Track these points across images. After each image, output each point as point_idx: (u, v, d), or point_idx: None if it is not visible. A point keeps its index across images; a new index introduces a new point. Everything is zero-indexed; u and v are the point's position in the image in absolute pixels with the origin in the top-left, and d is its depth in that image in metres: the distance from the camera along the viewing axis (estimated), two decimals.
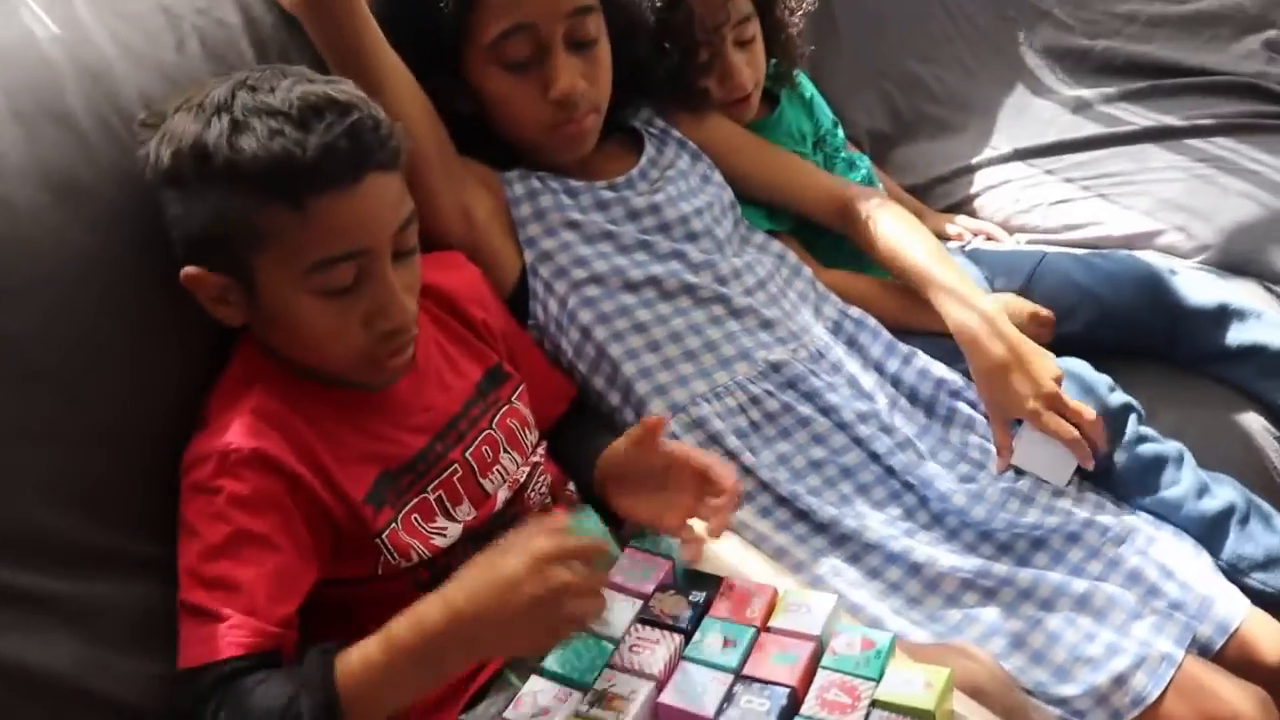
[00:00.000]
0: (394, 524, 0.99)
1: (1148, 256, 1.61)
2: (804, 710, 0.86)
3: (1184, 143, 1.77)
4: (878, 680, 0.88)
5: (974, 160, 1.81)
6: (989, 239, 1.70)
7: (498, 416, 1.11)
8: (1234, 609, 1.12)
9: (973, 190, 1.78)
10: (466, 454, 1.07)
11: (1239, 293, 1.46)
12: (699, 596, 0.98)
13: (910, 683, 0.87)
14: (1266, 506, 1.25)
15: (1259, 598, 1.19)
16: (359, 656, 0.83)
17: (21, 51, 0.98)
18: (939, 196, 1.79)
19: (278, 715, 0.82)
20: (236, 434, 0.93)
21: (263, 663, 0.86)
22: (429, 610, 0.83)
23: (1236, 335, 1.39)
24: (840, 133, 1.56)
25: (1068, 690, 1.05)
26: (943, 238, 1.68)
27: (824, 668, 0.90)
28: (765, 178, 1.40)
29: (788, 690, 0.88)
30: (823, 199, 1.40)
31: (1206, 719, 1.05)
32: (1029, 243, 1.68)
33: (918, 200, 1.77)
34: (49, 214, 0.93)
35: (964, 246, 1.64)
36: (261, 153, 0.89)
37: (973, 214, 1.77)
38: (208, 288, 0.95)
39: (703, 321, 1.24)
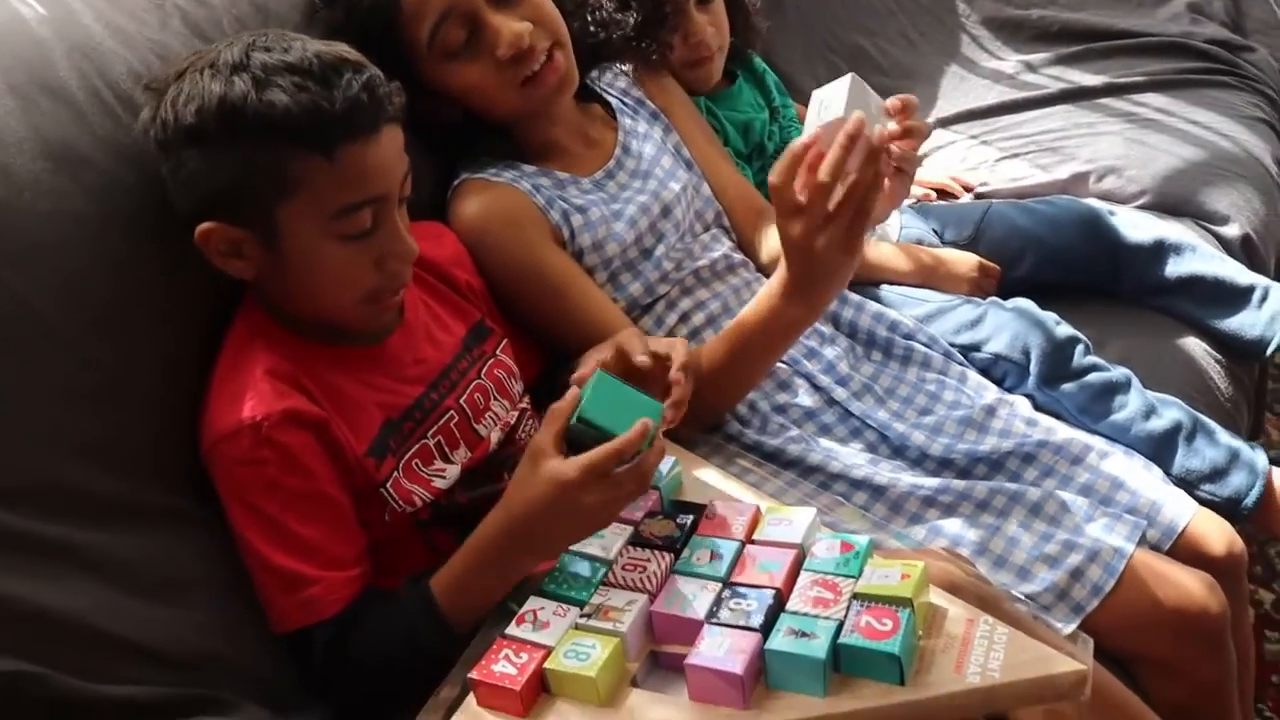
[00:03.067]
0: (396, 472, 1.05)
1: (1090, 201, 1.70)
2: (789, 607, 0.92)
3: (1121, 99, 1.86)
4: (857, 577, 0.94)
5: None
6: (946, 194, 1.78)
7: (485, 368, 1.17)
8: (1181, 510, 1.20)
9: (919, 152, 1.84)
10: (460, 400, 1.12)
11: (1174, 230, 1.55)
12: (686, 519, 1.03)
13: (888, 576, 0.93)
14: (1210, 423, 1.33)
15: (1208, 507, 1.27)
16: (448, 579, 0.96)
17: (11, 30, 1.02)
18: None
19: (405, 651, 0.94)
20: (261, 401, 0.98)
21: (362, 607, 0.98)
22: (495, 526, 0.94)
23: (1174, 268, 1.47)
24: (791, 104, 1.63)
25: (1030, 588, 1.12)
26: None
27: (806, 570, 0.96)
28: (701, 164, 1.43)
29: (773, 592, 0.93)
30: (738, 201, 1.42)
31: (1160, 602, 1.12)
32: (978, 196, 1.76)
33: None
34: (49, 181, 0.97)
35: (915, 202, 1.72)
36: (294, 106, 0.93)
37: None
38: (223, 242, 0.98)
39: (675, 295, 1.30)
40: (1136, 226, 1.49)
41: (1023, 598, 1.07)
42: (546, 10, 1.29)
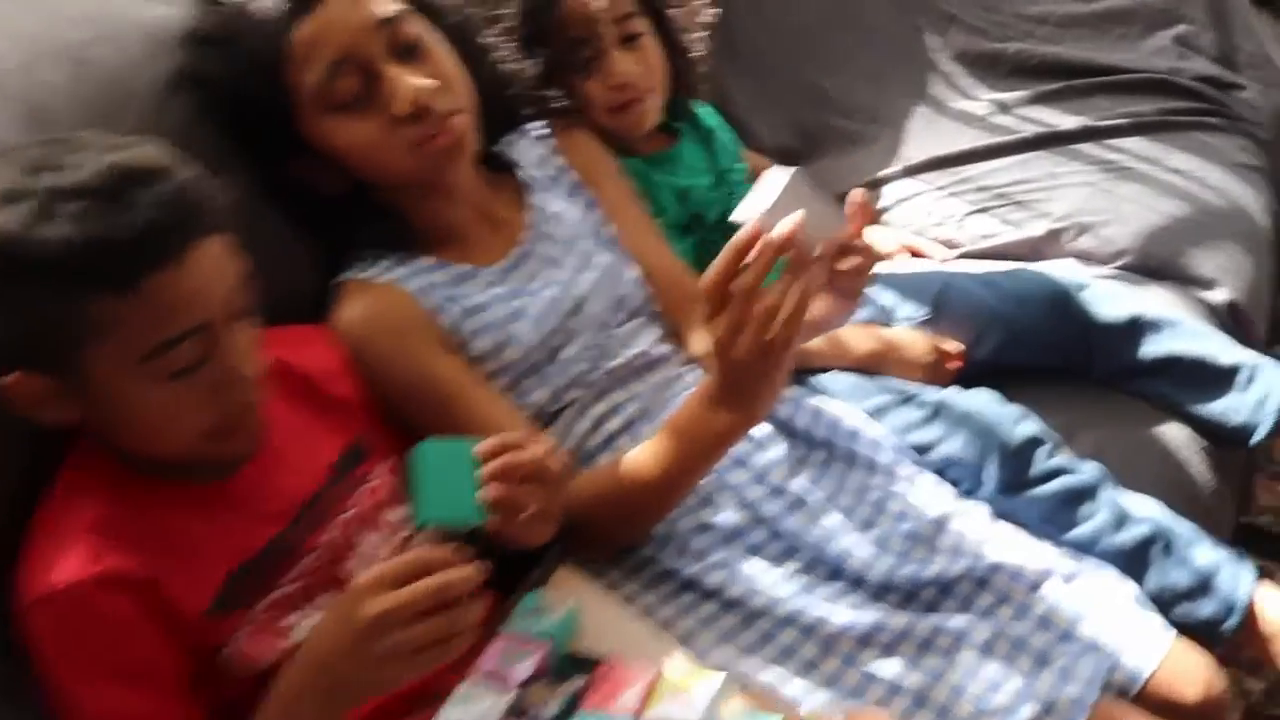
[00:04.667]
0: (245, 628, 0.93)
1: (1064, 265, 1.57)
2: None
3: (1099, 145, 1.72)
4: None
5: (882, 173, 1.75)
6: (916, 254, 1.64)
7: (356, 497, 1.04)
8: (1152, 646, 1.06)
9: (882, 204, 1.72)
10: (325, 538, 1.00)
11: (1153, 301, 1.41)
12: (573, 686, 0.91)
13: None
14: (1189, 530, 1.19)
15: (1184, 629, 1.14)
16: None
17: None
18: None
19: None
20: (78, 562, 0.86)
21: None
22: (284, 673, 0.86)
23: (1152, 347, 1.33)
24: (741, 169, 1.49)
25: None
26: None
27: None
28: (627, 243, 1.28)
29: None
30: (669, 285, 1.27)
31: None
32: (957, 257, 1.62)
33: None
34: None
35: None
36: (78, 239, 0.81)
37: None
38: (29, 394, 0.87)
39: (587, 399, 1.17)
40: (1111, 300, 1.35)
41: None
42: (452, 71, 1.15)
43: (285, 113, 1.10)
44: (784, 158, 1.77)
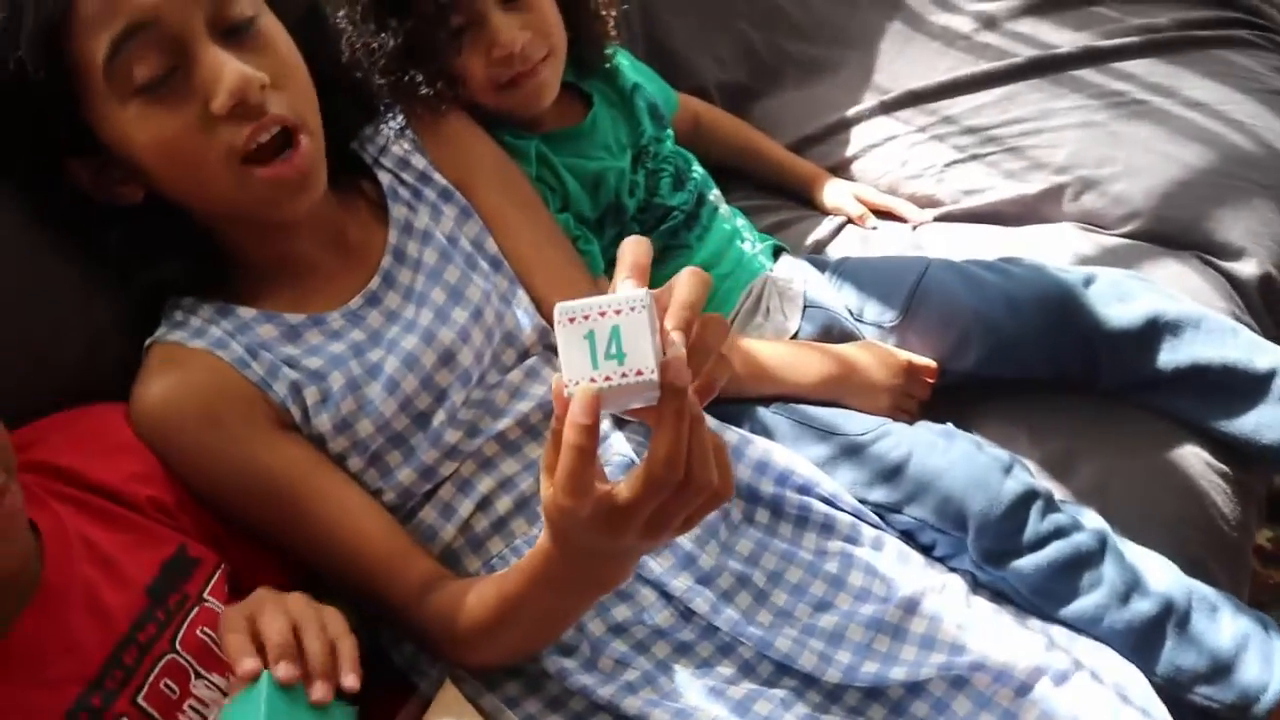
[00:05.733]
0: None
1: (1062, 231, 1.32)
2: None
3: (1104, 70, 1.44)
4: None
5: (850, 112, 1.47)
6: (892, 217, 1.38)
7: (183, 629, 0.83)
8: None
9: (850, 151, 1.45)
10: (139, 699, 0.79)
11: (1171, 287, 1.17)
12: None
13: None
14: (1210, 592, 0.99)
15: (1207, 717, 0.95)
16: None
17: None
18: (812, 160, 1.46)
19: None
20: None
21: None
22: None
23: (1171, 355, 1.10)
24: (669, 136, 1.22)
25: None
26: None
27: None
28: (515, 260, 1.03)
29: None
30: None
31: None
32: (934, 219, 1.37)
33: (811, 166, 1.44)
34: None
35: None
36: None
37: (850, 180, 1.44)
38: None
39: (469, 472, 0.95)
40: (1123, 300, 1.10)
41: None
42: (291, 66, 0.88)
43: (66, 96, 0.84)
44: (733, 96, 1.51)
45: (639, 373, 0.58)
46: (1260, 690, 0.96)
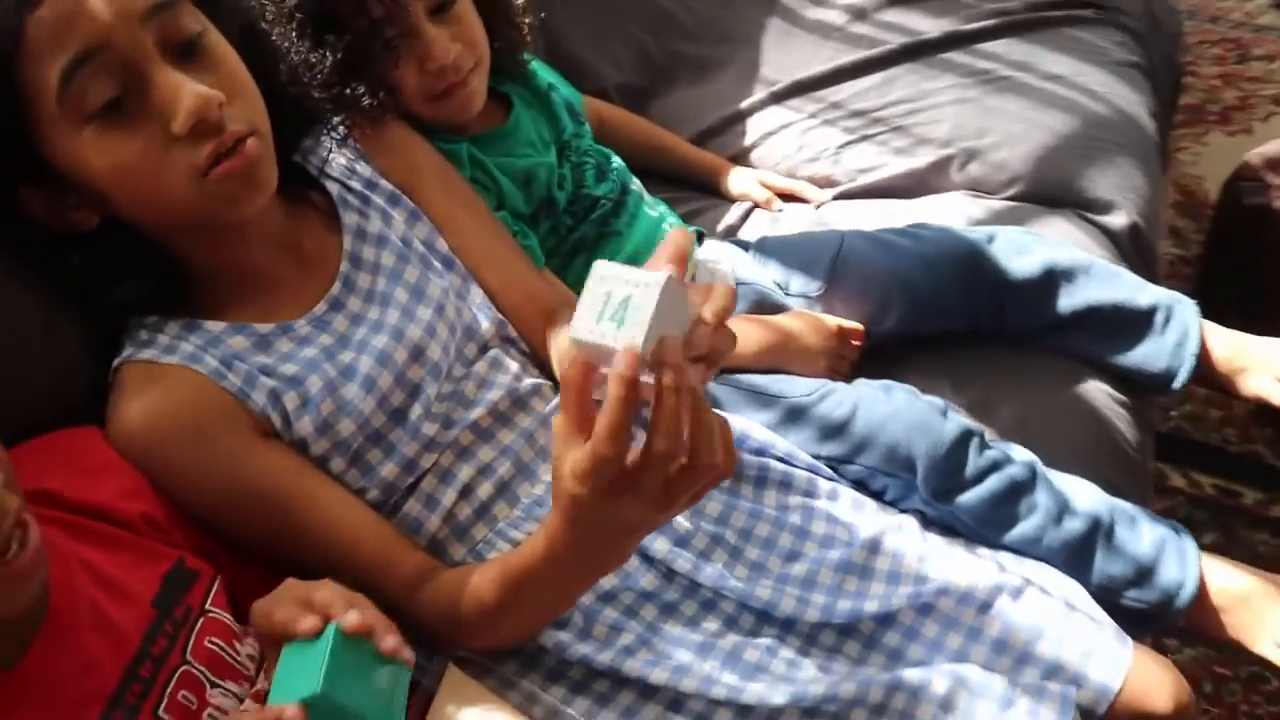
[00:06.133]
0: None
1: (953, 201, 1.43)
2: None
3: (968, 52, 1.57)
4: None
5: (744, 104, 1.56)
6: (796, 199, 1.46)
7: (191, 640, 0.83)
8: (1116, 659, 0.97)
9: (748, 140, 1.53)
10: (160, 711, 0.79)
11: (1058, 241, 1.28)
12: None
13: None
14: (1128, 507, 1.10)
15: (1137, 614, 1.05)
16: None
17: None
18: (713, 152, 1.53)
19: None
20: None
21: None
22: None
23: (1068, 300, 1.21)
24: (586, 131, 1.27)
25: None
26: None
27: None
28: (466, 257, 1.06)
29: None
30: (522, 301, 1.07)
31: None
32: (835, 198, 1.45)
33: (714, 158, 1.51)
34: None
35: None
36: None
37: (751, 168, 1.52)
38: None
39: (448, 462, 0.97)
40: (1021, 253, 1.21)
41: None
42: (242, 79, 0.89)
43: (18, 125, 0.83)
44: (631, 97, 1.57)
45: (626, 343, 0.62)
46: (1178, 587, 1.07)
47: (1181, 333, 1.23)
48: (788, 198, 1.46)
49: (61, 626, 0.77)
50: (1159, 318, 1.23)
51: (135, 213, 0.89)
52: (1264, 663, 1.10)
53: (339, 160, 1.04)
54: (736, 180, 1.46)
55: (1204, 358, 1.25)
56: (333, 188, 1.02)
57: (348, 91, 1.05)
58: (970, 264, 1.19)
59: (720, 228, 1.43)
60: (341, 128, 1.05)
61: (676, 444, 0.65)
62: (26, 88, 0.82)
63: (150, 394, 0.88)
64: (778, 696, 0.91)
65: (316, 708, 0.66)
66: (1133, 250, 1.38)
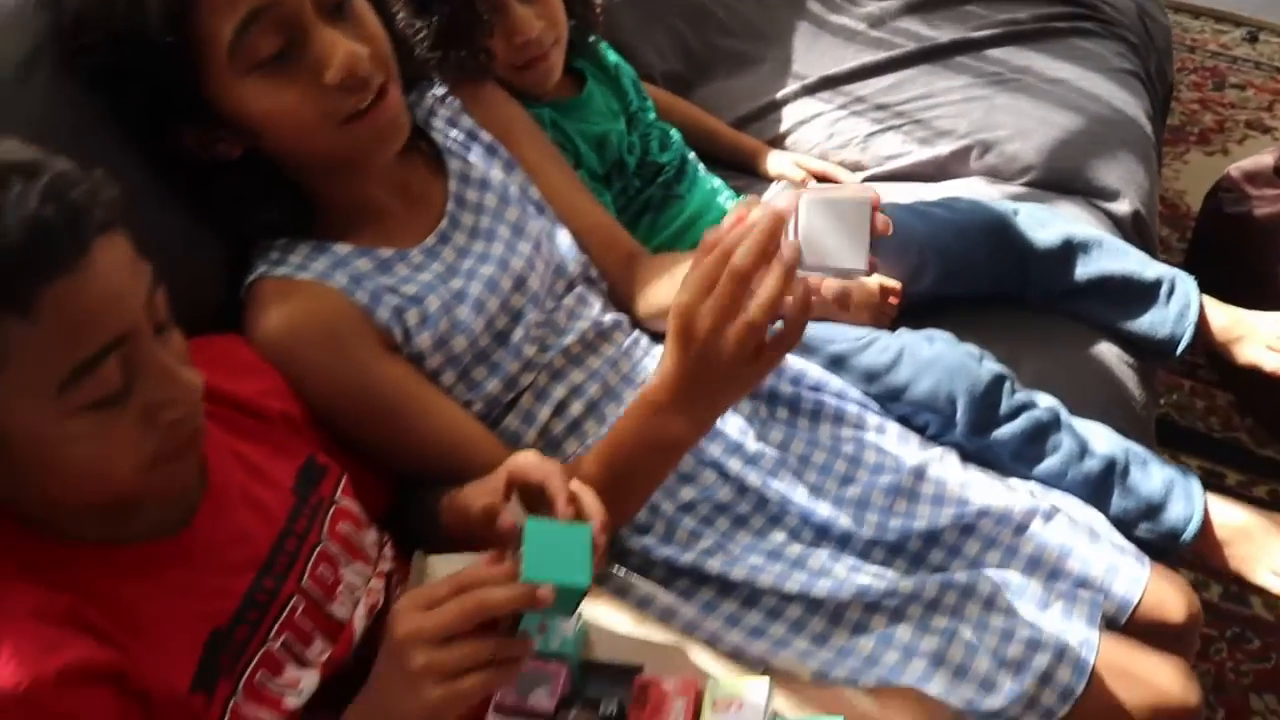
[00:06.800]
0: (235, 697, 0.81)
1: (973, 185, 1.55)
2: None
3: (975, 58, 1.71)
4: None
5: (779, 95, 1.68)
6: (829, 180, 1.58)
7: (327, 523, 0.92)
8: (1136, 576, 1.08)
9: (783, 128, 1.66)
10: (303, 581, 0.88)
11: (1078, 224, 1.41)
12: (611, 708, 0.84)
13: None
14: (1142, 450, 1.22)
15: (1149, 544, 1.17)
16: None
17: None
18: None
19: None
20: (27, 660, 0.70)
21: None
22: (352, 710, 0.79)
23: (1084, 269, 1.34)
24: (651, 107, 1.39)
25: (995, 701, 0.99)
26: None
27: None
28: (555, 204, 1.18)
29: None
30: (604, 244, 1.19)
31: (1133, 701, 1.01)
32: (864, 180, 1.58)
33: (753, 140, 1.63)
34: None
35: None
36: None
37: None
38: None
39: (543, 381, 1.08)
40: (1043, 226, 1.34)
41: None
42: (381, 37, 0.99)
43: (192, 70, 0.92)
44: (674, 84, 1.69)
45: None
46: (1186, 521, 1.19)
47: (1184, 304, 1.36)
48: (821, 179, 1.58)
49: (218, 502, 0.85)
50: (1163, 289, 1.36)
51: (282, 150, 0.98)
52: (1261, 591, 1.21)
53: (442, 113, 1.14)
54: (774, 161, 1.58)
55: (1203, 327, 1.38)
56: (438, 138, 1.13)
57: (452, 54, 1.16)
58: (998, 233, 1.32)
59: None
60: (443, 87, 1.16)
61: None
62: (199, 39, 0.91)
63: (290, 304, 0.97)
64: (845, 592, 1.01)
65: (570, 593, 0.74)
66: (1135, 234, 1.51)
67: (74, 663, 0.72)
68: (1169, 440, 1.86)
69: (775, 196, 0.86)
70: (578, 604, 0.77)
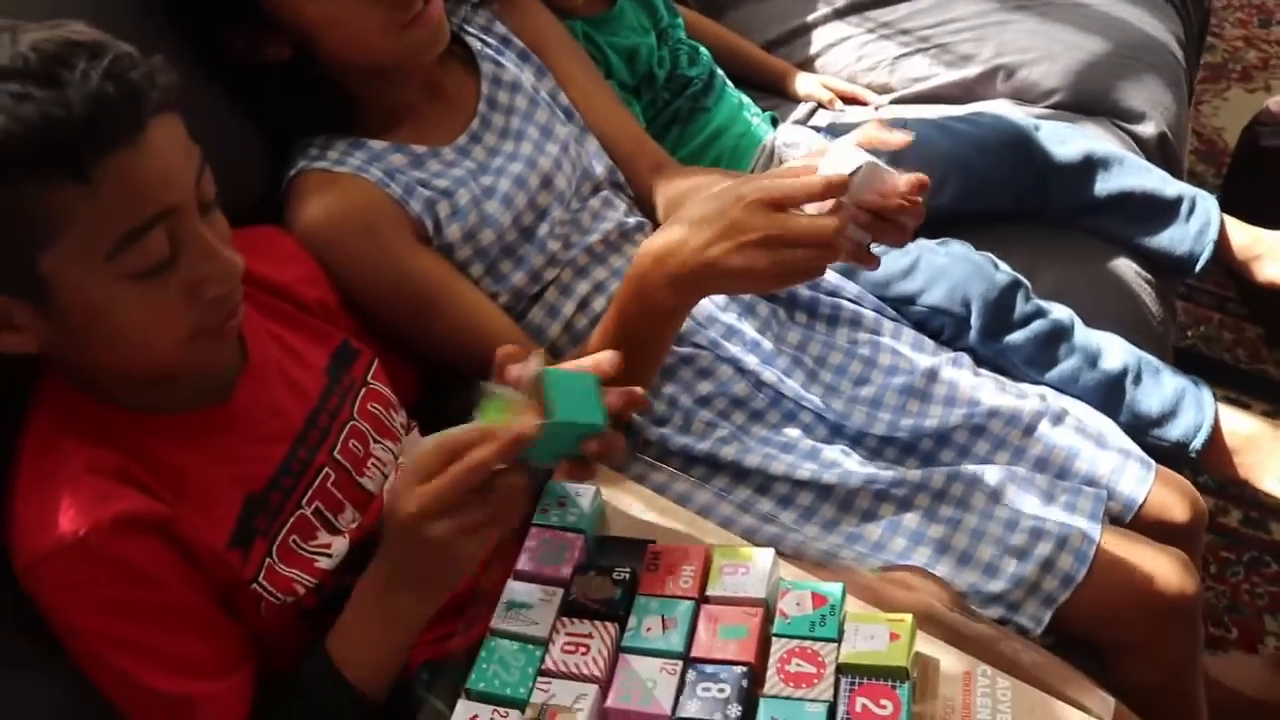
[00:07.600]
0: (270, 558, 0.87)
1: (999, 106, 1.57)
2: (767, 689, 0.79)
3: None
4: (838, 640, 0.81)
5: (809, 18, 1.70)
6: (856, 102, 1.61)
7: (358, 402, 0.97)
8: (1141, 477, 1.11)
9: (812, 50, 1.67)
10: (335, 453, 0.93)
11: (1100, 141, 1.43)
12: (624, 573, 0.88)
13: (874, 637, 0.80)
14: (1154, 360, 1.24)
15: (1159, 451, 1.19)
16: (341, 638, 0.83)
17: None
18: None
19: None
20: (83, 509, 0.77)
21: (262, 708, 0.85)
22: (371, 569, 0.83)
23: (1104, 185, 1.36)
24: (681, 23, 1.42)
25: (998, 585, 1.02)
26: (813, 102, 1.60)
27: (778, 635, 0.82)
28: (585, 112, 1.21)
29: (744, 669, 0.80)
30: (632, 152, 1.22)
31: (1133, 588, 1.04)
32: (891, 102, 1.60)
33: (781, 62, 1.66)
34: None
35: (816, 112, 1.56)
36: (15, 126, 0.69)
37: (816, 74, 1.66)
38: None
39: (567, 278, 1.12)
40: (1063, 142, 1.36)
41: (991, 611, 0.98)
42: None
43: None
44: (705, 6, 1.71)
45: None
46: (1196, 429, 1.21)
47: (1204, 221, 1.37)
48: (849, 100, 1.60)
49: (257, 378, 0.91)
50: (1184, 207, 1.37)
51: (334, 55, 1.02)
52: (1269, 499, 1.24)
53: (477, 20, 1.18)
54: (803, 83, 1.60)
55: (1223, 246, 1.39)
56: (473, 43, 1.17)
57: None
58: (1020, 147, 1.34)
59: (788, 123, 1.57)
60: None
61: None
62: None
63: (329, 195, 1.02)
64: (854, 480, 1.05)
65: (575, 431, 0.80)
66: (1160, 157, 1.52)
67: (127, 511, 0.78)
68: (1196, 371, 1.85)
69: (837, 149, 0.90)
70: (578, 442, 0.82)
